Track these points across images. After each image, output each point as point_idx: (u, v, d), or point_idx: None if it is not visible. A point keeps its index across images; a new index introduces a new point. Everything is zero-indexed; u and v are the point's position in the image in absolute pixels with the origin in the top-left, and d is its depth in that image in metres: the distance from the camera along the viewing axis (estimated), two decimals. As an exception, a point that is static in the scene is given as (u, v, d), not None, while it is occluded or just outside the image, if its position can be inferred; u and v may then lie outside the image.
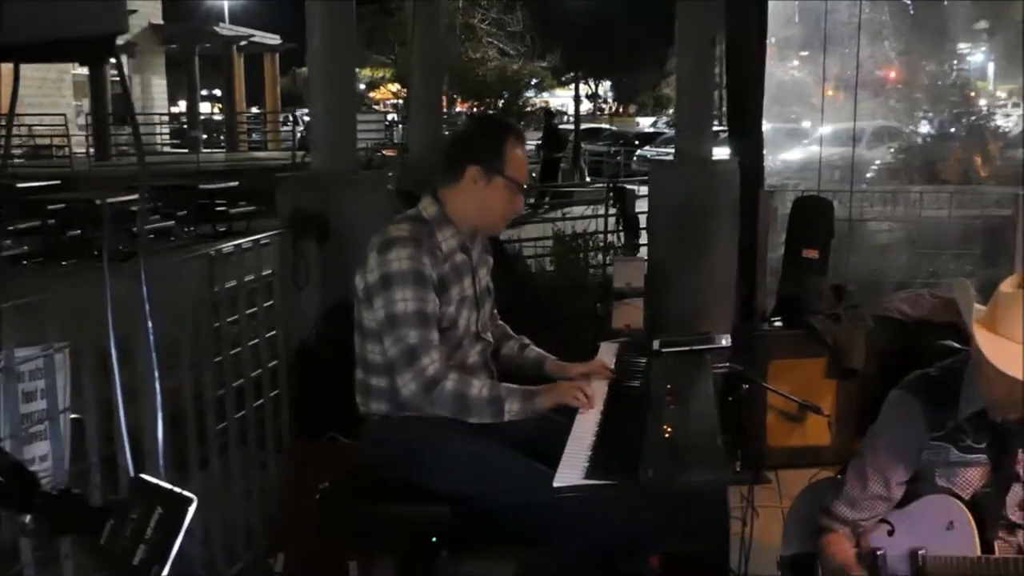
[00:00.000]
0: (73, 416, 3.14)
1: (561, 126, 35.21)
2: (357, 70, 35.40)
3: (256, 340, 4.16)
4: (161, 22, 30.88)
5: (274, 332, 4.27)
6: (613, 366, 3.22)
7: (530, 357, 3.34)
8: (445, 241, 2.97)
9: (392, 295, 2.83)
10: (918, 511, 2.66)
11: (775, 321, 5.33)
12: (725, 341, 3.37)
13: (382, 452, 2.97)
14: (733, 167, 5.71)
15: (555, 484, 2.30)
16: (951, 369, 2.71)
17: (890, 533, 2.69)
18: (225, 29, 31.64)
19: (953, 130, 11.92)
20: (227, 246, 4.14)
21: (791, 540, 3.04)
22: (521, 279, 7.01)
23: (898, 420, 2.75)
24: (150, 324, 1.41)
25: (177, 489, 1.20)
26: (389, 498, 2.91)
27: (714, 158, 5.99)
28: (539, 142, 23.40)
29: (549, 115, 25.99)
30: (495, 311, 3.38)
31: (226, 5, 41.08)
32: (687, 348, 3.27)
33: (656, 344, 3.31)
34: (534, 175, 22.33)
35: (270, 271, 4.33)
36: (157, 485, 1.19)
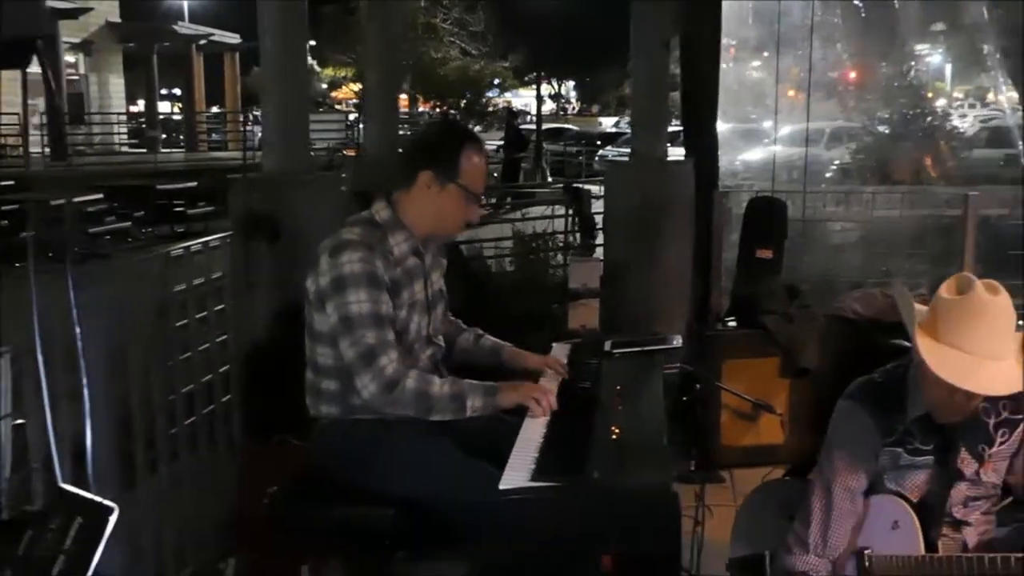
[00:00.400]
0: (17, 422, 3.09)
1: (523, 126, 35.27)
2: (319, 69, 35.42)
3: (207, 344, 4.12)
4: (119, 20, 30.49)
5: (225, 336, 4.24)
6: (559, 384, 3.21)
7: (486, 347, 3.34)
8: (397, 245, 2.95)
9: (346, 297, 2.81)
10: (863, 512, 2.68)
11: (730, 321, 5.36)
12: (677, 342, 3.39)
13: (332, 455, 2.95)
14: (688, 168, 5.74)
15: (501, 486, 2.30)
16: (895, 374, 2.72)
17: None
18: (184, 28, 31.35)
19: (911, 129, 12.05)
20: (176, 248, 4.10)
21: (740, 540, 3.05)
22: (479, 279, 7.00)
23: (851, 432, 2.75)
24: (78, 330, 1.38)
25: (98, 499, 1.17)
26: (340, 501, 2.88)
27: (670, 158, 6.00)
28: (501, 142, 23.41)
29: (512, 115, 25.97)
30: (447, 311, 3.37)
31: (186, 4, 40.68)
32: (638, 349, 3.29)
33: (608, 345, 3.32)
34: (496, 175, 22.34)
35: (220, 274, 4.29)
36: (77, 495, 1.17)
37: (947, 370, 2.40)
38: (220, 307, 4.24)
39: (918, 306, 2.61)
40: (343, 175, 4.92)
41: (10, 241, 13.63)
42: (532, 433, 2.64)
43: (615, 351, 3.28)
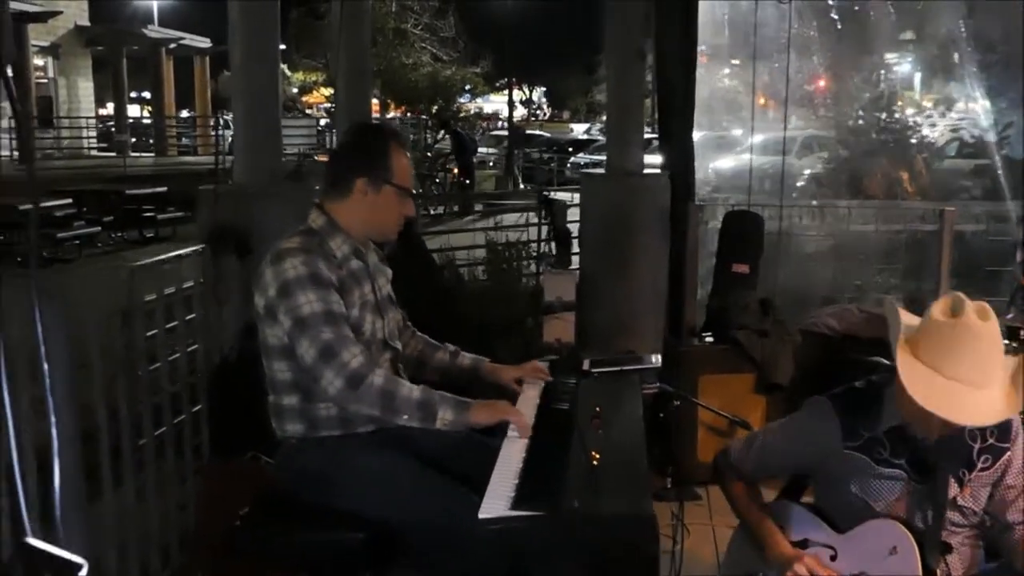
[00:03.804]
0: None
1: (494, 132, 35.27)
2: (289, 74, 35.22)
3: (176, 355, 4.04)
4: (88, 24, 30.21)
5: (196, 346, 4.16)
6: (541, 389, 3.17)
7: (464, 364, 3.32)
8: (338, 248, 2.97)
9: (295, 300, 2.79)
10: (861, 535, 2.64)
11: (706, 336, 5.33)
12: (655, 361, 3.35)
13: (299, 475, 2.92)
14: (664, 180, 5.71)
15: (481, 516, 2.24)
16: (875, 383, 2.71)
17: (833, 558, 2.67)
18: (153, 31, 31.11)
19: (882, 138, 12.08)
20: (146, 262, 4.02)
21: (733, 565, 3.02)
22: (450, 288, 6.94)
23: (809, 420, 2.79)
24: (43, 349, 1.31)
25: (66, 554, 1.11)
26: (309, 523, 2.85)
27: (645, 171, 5.97)
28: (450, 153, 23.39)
29: (446, 124, 25.80)
30: (408, 323, 3.35)
31: (155, 7, 40.45)
32: (617, 369, 3.25)
33: (586, 364, 3.28)
34: (465, 180, 22.29)
35: (191, 283, 4.21)
36: (43, 550, 1.10)
37: (923, 394, 2.37)
38: (190, 316, 4.16)
39: (909, 318, 2.57)
40: (316, 187, 4.83)
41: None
42: (511, 457, 2.58)
43: (593, 370, 3.24)
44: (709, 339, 5.30)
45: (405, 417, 2.78)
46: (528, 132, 33.68)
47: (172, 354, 4.03)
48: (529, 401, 3.06)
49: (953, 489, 2.60)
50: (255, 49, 4.66)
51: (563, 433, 2.70)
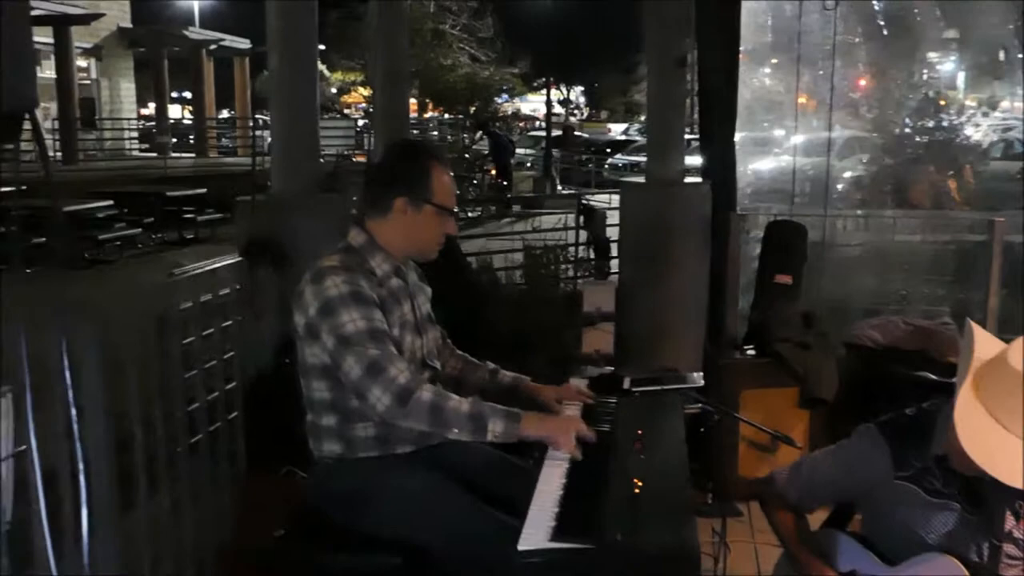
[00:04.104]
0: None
1: (532, 132, 35.18)
2: (328, 74, 35.38)
3: (212, 362, 4.03)
4: (130, 25, 30.50)
5: (231, 354, 4.14)
6: (582, 409, 3.11)
7: (505, 383, 3.27)
8: (378, 266, 2.93)
9: (338, 319, 2.75)
10: (913, 569, 2.56)
11: (748, 349, 5.25)
12: (697, 379, 3.28)
13: (336, 497, 2.88)
14: (705, 189, 5.63)
15: (520, 547, 2.19)
16: (927, 411, 2.63)
17: None
18: (194, 33, 31.28)
19: (927, 142, 11.86)
20: (183, 271, 4.01)
21: None
22: (483, 292, 6.87)
23: (858, 448, 2.71)
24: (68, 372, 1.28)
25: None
26: (345, 547, 2.81)
27: (686, 180, 5.88)
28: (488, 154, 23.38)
29: (483, 126, 25.79)
30: (447, 340, 3.32)
31: (196, 8, 40.78)
32: (658, 388, 3.18)
33: (627, 382, 3.21)
34: (502, 182, 22.27)
35: (227, 290, 4.19)
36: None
37: (975, 447, 2.27)
38: (226, 323, 4.14)
39: (986, 346, 2.42)
40: (353, 198, 4.81)
41: (22, 246, 13.63)
42: (550, 484, 2.53)
43: (634, 389, 3.17)
44: (751, 352, 5.22)
45: (455, 431, 2.72)
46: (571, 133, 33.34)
47: (208, 361, 4.01)
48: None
49: (1009, 522, 2.51)
50: (293, 57, 4.65)
51: (603, 456, 2.64)
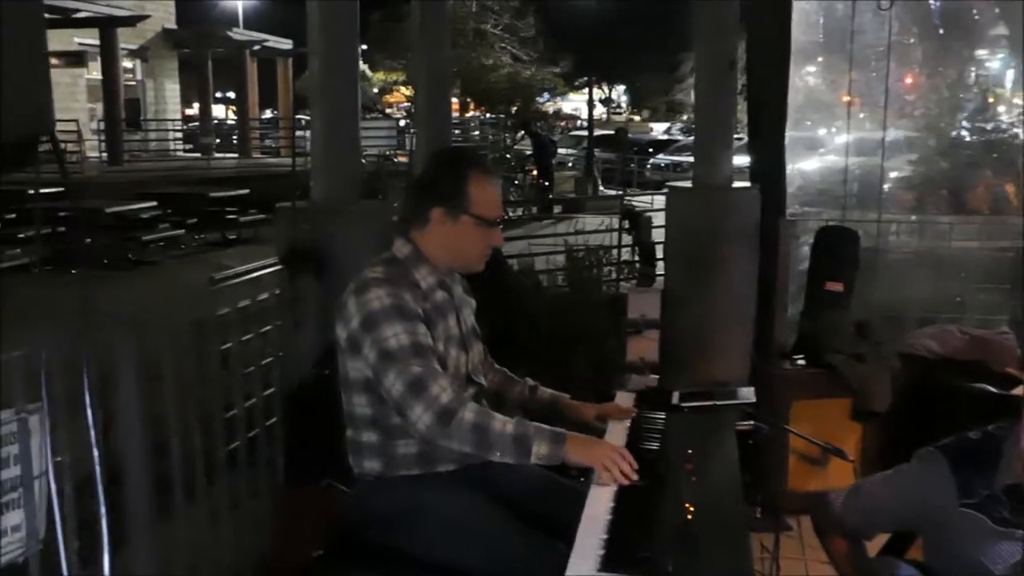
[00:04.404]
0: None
1: (573, 132, 35.01)
2: (370, 74, 35.48)
3: (251, 368, 3.97)
4: (175, 27, 30.79)
5: (270, 359, 4.08)
6: (628, 427, 3.00)
7: (544, 399, 3.19)
8: (423, 279, 2.85)
9: (381, 333, 2.67)
10: None
11: (798, 359, 5.11)
12: (749, 395, 3.17)
13: (376, 517, 2.82)
14: (753, 194, 5.50)
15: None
16: (992, 435, 2.50)
17: None
18: (238, 34, 31.52)
19: (982, 143, 11.60)
20: (223, 275, 3.96)
21: None
22: (528, 295, 6.77)
23: (920, 474, 2.59)
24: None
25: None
26: (386, 567, 2.75)
27: (734, 185, 5.74)
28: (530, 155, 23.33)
29: (526, 126, 25.69)
30: (488, 356, 3.23)
31: (240, 9, 41.11)
32: (709, 404, 3.08)
33: (676, 397, 3.11)
34: (544, 183, 22.18)
35: (266, 295, 4.13)
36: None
37: None
38: (266, 328, 4.09)
39: None
40: (395, 204, 4.74)
41: (68, 246, 13.74)
42: (598, 507, 2.42)
43: (684, 404, 3.07)
44: (801, 362, 5.08)
45: (498, 454, 2.63)
46: (607, 132, 33.13)
47: (247, 367, 3.95)
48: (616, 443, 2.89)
49: None
50: (334, 58, 4.58)
51: (653, 478, 2.54)
